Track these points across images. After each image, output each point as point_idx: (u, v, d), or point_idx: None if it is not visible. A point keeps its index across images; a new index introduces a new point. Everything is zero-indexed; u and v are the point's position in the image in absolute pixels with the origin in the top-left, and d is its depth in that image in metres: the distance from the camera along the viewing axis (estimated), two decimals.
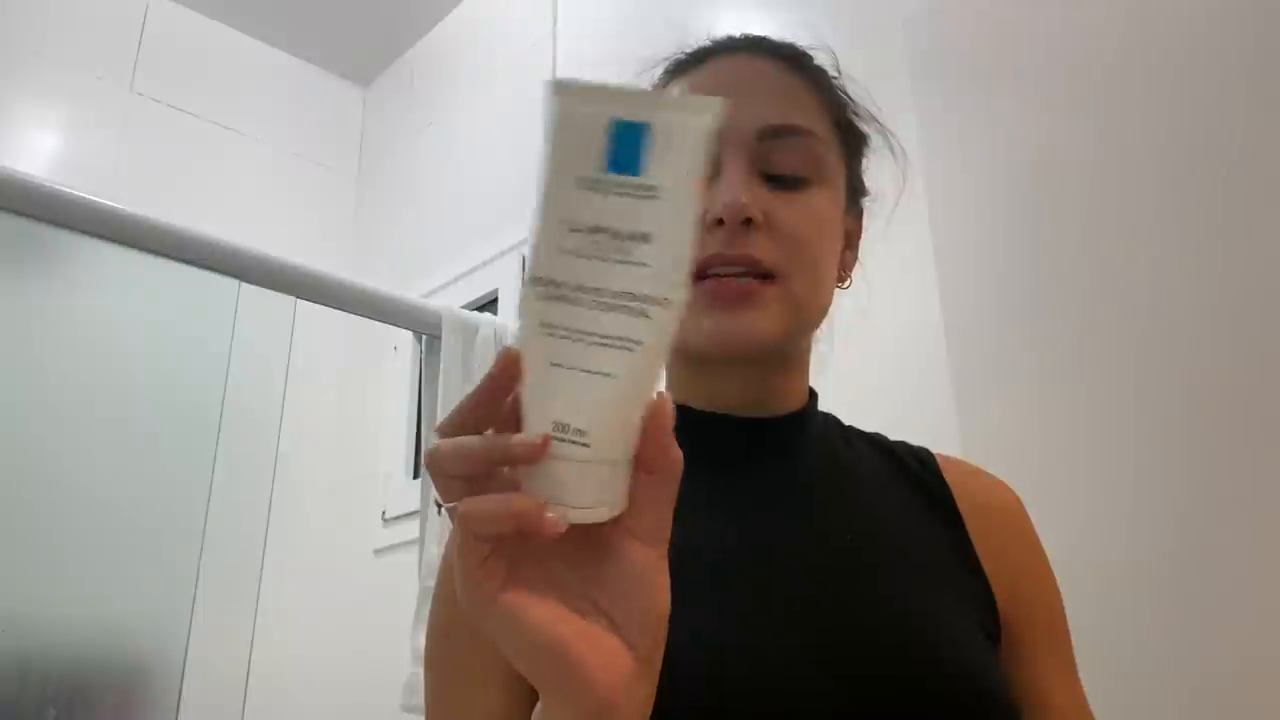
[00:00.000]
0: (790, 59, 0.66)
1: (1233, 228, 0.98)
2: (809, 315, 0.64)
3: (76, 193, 1.37)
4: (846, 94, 0.69)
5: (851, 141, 0.69)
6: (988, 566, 0.64)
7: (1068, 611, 0.67)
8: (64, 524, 1.43)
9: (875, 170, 0.73)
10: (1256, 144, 0.98)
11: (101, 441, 1.51)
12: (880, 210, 0.74)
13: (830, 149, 0.65)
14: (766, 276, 0.60)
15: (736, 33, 0.69)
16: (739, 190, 0.59)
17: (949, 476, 0.68)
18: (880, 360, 1.22)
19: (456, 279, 2.16)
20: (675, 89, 0.62)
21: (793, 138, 0.62)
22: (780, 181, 0.62)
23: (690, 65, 0.67)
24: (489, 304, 2.06)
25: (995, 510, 0.67)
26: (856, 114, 0.69)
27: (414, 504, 1.88)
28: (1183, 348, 0.99)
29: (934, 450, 0.72)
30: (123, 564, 1.48)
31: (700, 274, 0.60)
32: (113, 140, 2.23)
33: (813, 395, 0.70)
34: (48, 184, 1.36)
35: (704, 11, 1.67)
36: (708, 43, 0.68)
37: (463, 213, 2.26)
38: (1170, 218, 1.03)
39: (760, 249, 0.59)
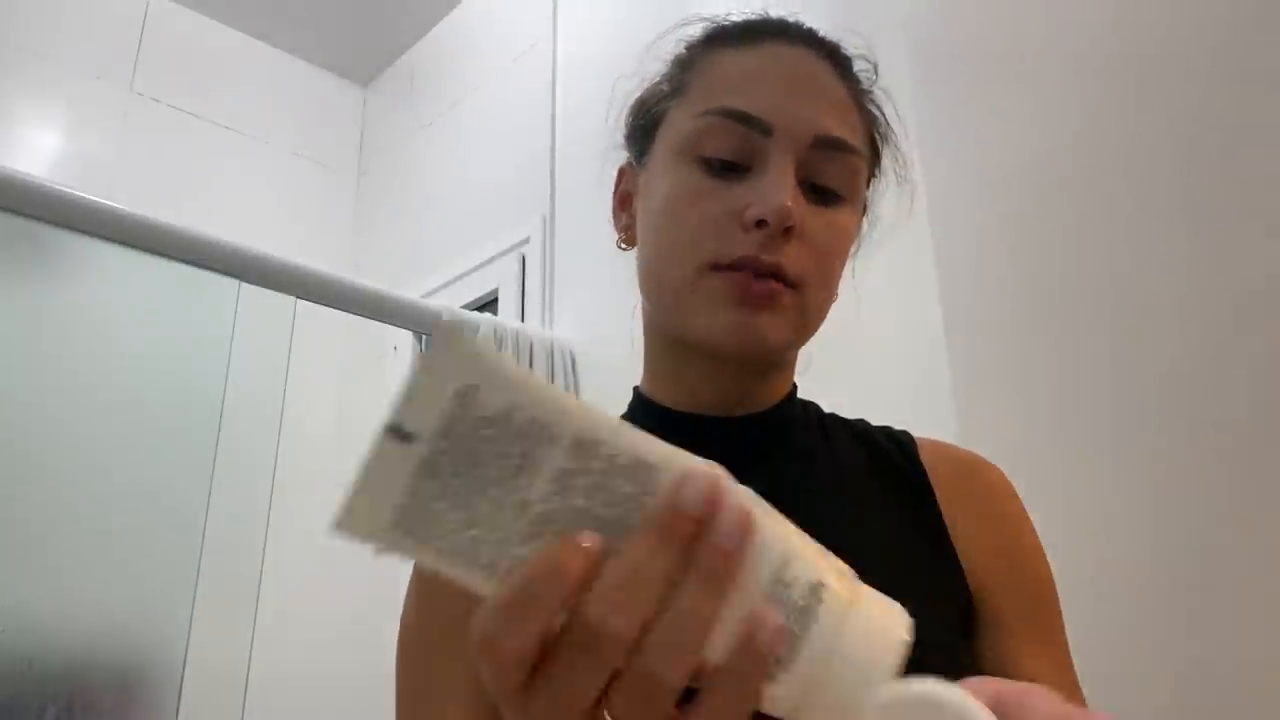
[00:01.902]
0: (841, 64, 0.65)
1: (1234, 228, 0.98)
2: (813, 327, 0.64)
3: (76, 193, 1.37)
4: (881, 110, 0.69)
5: (874, 162, 0.68)
6: (960, 546, 0.63)
7: (1066, 609, 0.67)
8: (65, 524, 1.43)
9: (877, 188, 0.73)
10: (1257, 144, 0.98)
11: (101, 441, 1.51)
12: (881, 234, 0.73)
13: (863, 168, 0.65)
14: (788, 283, 0.59)
15: (785, 15, 0.66)
16: (789, 196, 0.58)
17: (926, 458, 0.67)
18: (880, 360, 1.22)
19: (456, 279, 2.16)
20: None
21: (841, 154, 0.61)
22: (819, 193, 0.61)
23: (739, 41, 0.65)
24: (489, 304, 2.06)
25: (970, 489, 0.66)
26: (881, 135, 0.69)
27: None
28: (1183, 346, 0.99)
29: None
30: (123, 564, 1.48)
31: (723, 265, 0.58)
32: (113, 140, 2.23)
33: (792, 388, 0.69)
34: (48, 184, 1.36)
35: (703, 12, 1.66)
36: (754, 18, 0.66)
37: (462, 213, 2.26)
38: (1171, 216, 1.03)
39: (791, 259, 0.59)
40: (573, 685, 0.30)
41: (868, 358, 1.20)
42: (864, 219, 0.70)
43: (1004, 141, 1.20)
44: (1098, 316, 1.06)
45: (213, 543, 1.54)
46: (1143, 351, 1.02)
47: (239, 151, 2.45)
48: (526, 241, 2.00)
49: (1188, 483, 0.95)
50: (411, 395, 0.29)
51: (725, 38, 0.66)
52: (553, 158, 2.01)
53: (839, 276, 0.64)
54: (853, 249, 0.67)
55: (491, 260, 2.08)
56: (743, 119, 0.59)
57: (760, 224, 0.58)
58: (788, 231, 0.58)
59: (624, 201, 0.70)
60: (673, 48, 0.69)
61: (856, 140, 0.63)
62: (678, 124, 0.63)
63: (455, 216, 2.28)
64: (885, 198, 0.72)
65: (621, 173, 0.71)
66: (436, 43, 2.57)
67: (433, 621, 0.62)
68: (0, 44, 2.12)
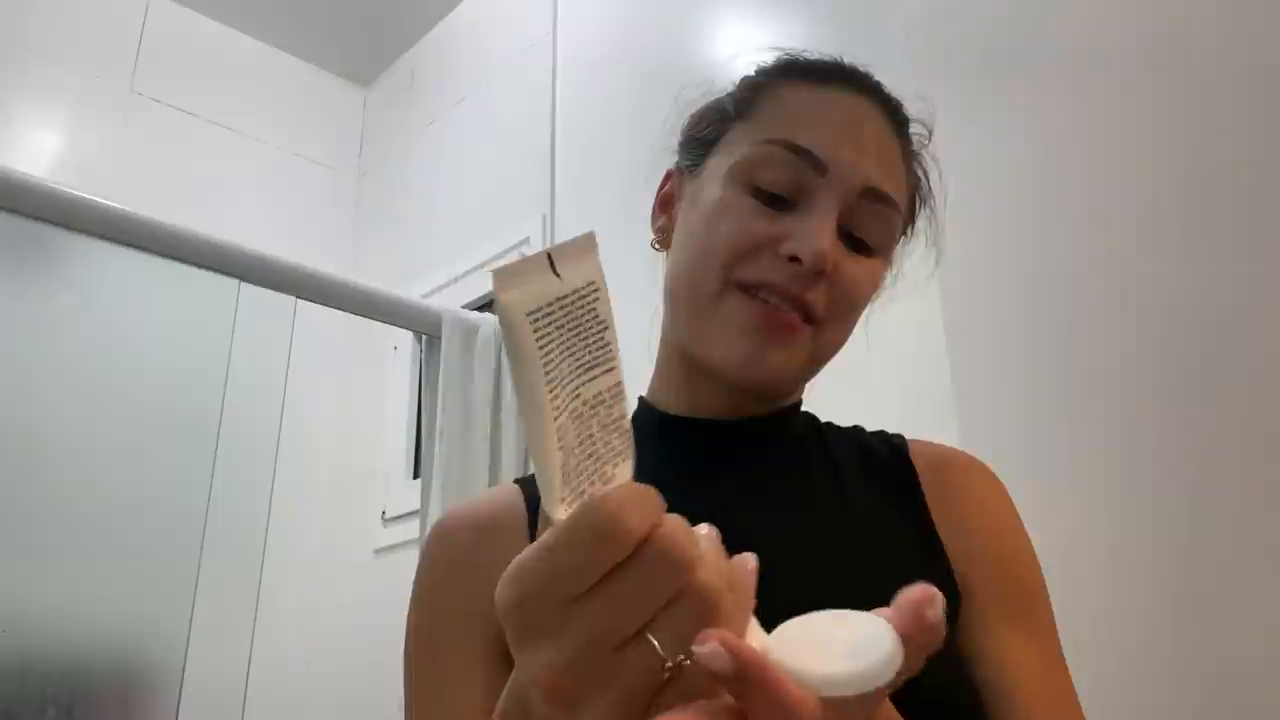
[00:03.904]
0: (900, 122, 0.68)
1: (1237, 228, 0.98)
2: (821, 366, 0.66)
3: (76, 193, 1.37)
4: (925, 174, 0.71)
5: (909, 221, 0.71)
6: (945, 541, 0.64)
7: (1066, 609, 0.67)
8: (64, 524, 1.43)
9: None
10: (1264, 144, 0.97)
11: (101, 441, 1.51)
12: (898, 288, 0.75)
13: (900, 225, 0.67)
14: (809, 320, 0.61)
15: (856, 64, 0.69)
16: (829, 240, 0.60)
17: (915, 458, 0.69)
18: (880, 360, 1.22)
19: (456, 279, 2.16)
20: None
21: (884, 208, 0.64)
22: (854, 242, 0.63)
23: (810, 78, 0.66)
24: (489, 304, 2.05)
25: (953, 484, 0.68)
26: (921, 197, 0.71)
27: (414, 504, 1.88)
28: (1184, 348, 0.99)
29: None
30: (123, 565, 1.48)
31: (750, 285, 0.61)
32: (113, 140, 2.23)
33: (795, 402, 0.70)
34: (48, 184, 1.36)
35: (703, 12, 1.67)
36: (828, 59, 0.69)
37: (463, 213, 2.26)
38: (1174, 217, 1.03)
39: (817, 299, 0.61)
40: (634, 602, 0.30)
41: (868, 357, 1.20)
42: (888, 272, 0.72)
43: (1004, 142, 1.19)
44: (1099, 316, 1.06)
45: (213, 543, 1.54)
46: (1143, 353, 1.02)
47: (239, 151, 2.45)
48: (526, 241, 2.00)
49: (1188, 483, 0.95)
50: (568, 249, 0.33)
51: (797, 72, 0.68)
52: (553, 157, 2.01)
53: (855, 323, 0.66)
54: (872, 299, 0.69)
55: (491, 260, 2.08)
56: (801, 154, 0.62)
57: (794, 260, 0.60)
58: (820, 274, 0.60)
59: (665, 204, 0.72)
60: (743, 68, 0.71)
61: (899, 196, 0.65)
62: (737, 145, 0.65)
63: (455, 216, 2.28)
64: (911, 255, 0.74)
65: (668, 175, 0.73)
66: (437, 42, 2.57)
67: (445, 613, 0.63)
68: (0, 44, 2.12)
